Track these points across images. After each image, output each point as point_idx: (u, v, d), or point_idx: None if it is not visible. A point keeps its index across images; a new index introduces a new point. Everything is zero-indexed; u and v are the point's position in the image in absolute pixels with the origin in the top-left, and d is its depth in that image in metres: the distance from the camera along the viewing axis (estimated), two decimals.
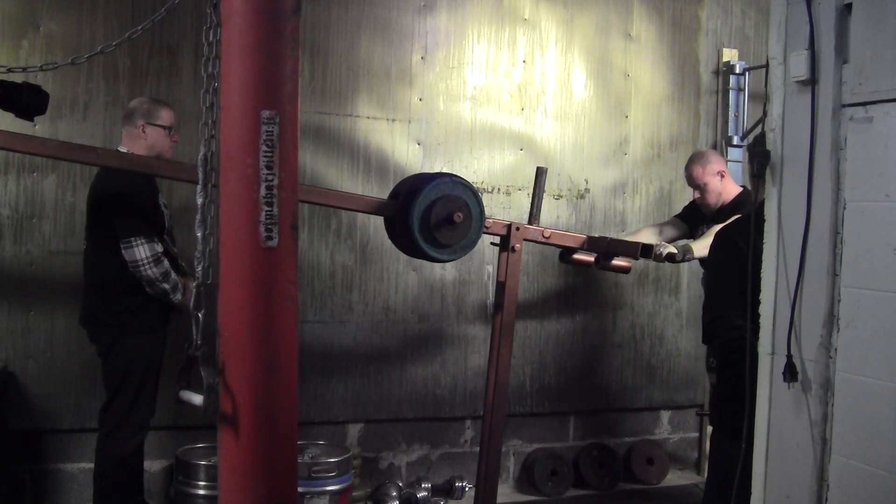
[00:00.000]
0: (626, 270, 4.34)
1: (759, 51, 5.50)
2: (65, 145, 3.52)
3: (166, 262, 3.77)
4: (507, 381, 4.00)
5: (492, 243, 4.15)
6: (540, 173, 4.10)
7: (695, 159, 4.57)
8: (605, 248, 4.11)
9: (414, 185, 3.70)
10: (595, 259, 4.21)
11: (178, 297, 3.81)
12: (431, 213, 3.59)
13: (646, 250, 3.95)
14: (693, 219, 4.73)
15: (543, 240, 4.07)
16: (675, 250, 4.13)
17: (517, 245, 3.94)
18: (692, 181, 4.55)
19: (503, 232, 3.93)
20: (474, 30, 5.01)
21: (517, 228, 3.94)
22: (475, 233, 3.72)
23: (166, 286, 3.75)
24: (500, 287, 3.94)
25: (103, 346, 3.86)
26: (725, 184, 4.51)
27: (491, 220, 3.87)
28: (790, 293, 2.54)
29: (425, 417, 4.98)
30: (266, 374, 1.81)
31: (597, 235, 4.32)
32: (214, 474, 3.54)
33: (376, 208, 3.83)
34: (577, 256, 4.23)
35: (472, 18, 5.00)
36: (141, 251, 3.68)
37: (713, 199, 4.50)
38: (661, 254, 4.07)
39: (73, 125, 4.29)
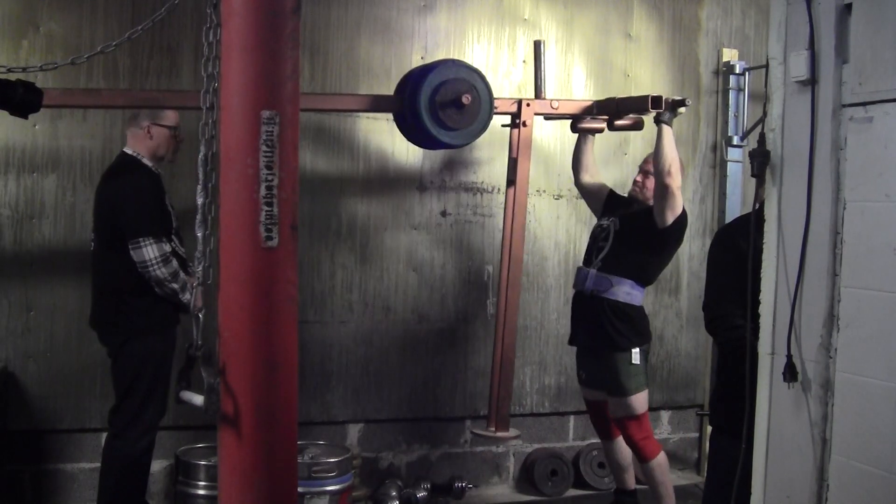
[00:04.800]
0: (637, 127, 4.37)
1: (759, 51, 5.49)
2: (67, 92, 3.61)
3: (175, 262, 3.76)
4: (521, 254, 4.14)
5: (503, 125, 4.22)
6: (538, 46, 4.24)
7: None
8: (615, 108, 4.15)
9: (420, 74, 3.77)
10: (607, 122, 4.25)
11: (188, 296, 3.80)
12: (439, 96, 3.68)
13: (656, 102, 3.93)
14: (613, 205, 4.41)
15: (552, 110, 4.15)
16: (680, 98, 4.06)
17: (528, 120, 4.05)
18: (648, 165, 4.23)
19: (513, 109, 4.03)
20: (474, 30, 5.00)
21: (527, 104, 4.03)
22: (486, 114, 3.83)
23: (175, 286, 3.75)
24: (513, 164, 4.06)
25: (113, 348, 3.86)
26: None
27: (500, 100, 3.94)
28: (790, 293, 2.54)
29: (425, 417, 4.98)
30: (266, 374, 1.81)
31: (604, 98, 4.37)
32: (214, 474, 3.54)
33: (383, 104, 3.90)
34: (587, 125, 4.29)
35: (472, 18, 5.00)
36: (149, 251, 3.68)
37: (646, 193, 4.22)
38: (669, 101, 3.99)
39: (72, 125, 4.28)
